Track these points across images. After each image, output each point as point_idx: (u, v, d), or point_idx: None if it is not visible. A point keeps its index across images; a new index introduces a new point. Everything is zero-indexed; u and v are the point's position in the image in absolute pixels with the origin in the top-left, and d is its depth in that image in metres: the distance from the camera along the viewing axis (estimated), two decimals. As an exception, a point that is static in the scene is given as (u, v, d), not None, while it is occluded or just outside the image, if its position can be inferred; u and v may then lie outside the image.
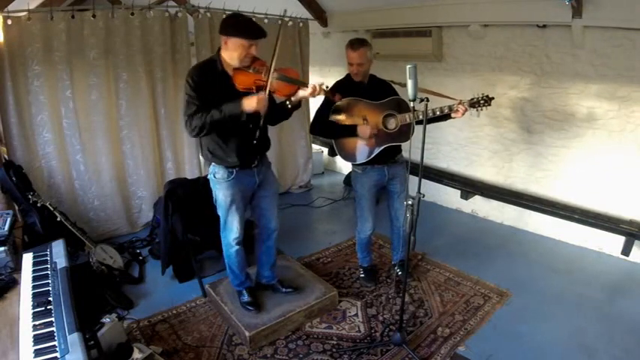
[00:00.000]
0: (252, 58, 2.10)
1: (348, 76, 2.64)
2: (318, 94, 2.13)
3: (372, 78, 2.65)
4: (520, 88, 3.58)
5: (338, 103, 2.47)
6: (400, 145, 2.64)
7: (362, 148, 2.55)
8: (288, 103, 2.20)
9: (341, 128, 2.52)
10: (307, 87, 2.11)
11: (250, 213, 2.57)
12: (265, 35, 2.06)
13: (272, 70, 2.06)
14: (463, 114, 2.39)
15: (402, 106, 2.52)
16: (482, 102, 2.42)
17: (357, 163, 2.60)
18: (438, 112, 2.38)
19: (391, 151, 2.59)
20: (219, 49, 2.15)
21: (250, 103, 2.04)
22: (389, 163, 2.65)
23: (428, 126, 2.12)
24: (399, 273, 3.01)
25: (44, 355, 1.32)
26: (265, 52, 2.17)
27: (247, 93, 2.10)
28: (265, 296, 2.65)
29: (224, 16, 3.76)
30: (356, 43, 2.50)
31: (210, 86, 2.11)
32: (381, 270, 3.15)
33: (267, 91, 2.07)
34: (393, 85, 2.68)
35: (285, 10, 2.47)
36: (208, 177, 2.37)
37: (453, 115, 2.41)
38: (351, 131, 2.51)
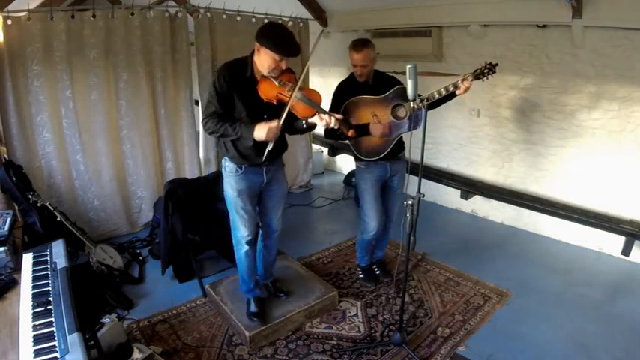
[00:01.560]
0: (282, 70, 2.10)
1: (351, 75, 2.63)
2: (332, 126, 2.12)
3: (376, 74, 2.62)
4: (520, 88, 3.58)
5: (345, 106, 2.46)
6: (403, 143, 2.64)
7: (380, 142, 2.55)
8: (304, 123, 2.20)
9: (355, 130, 2.51)
10: (323, 115, 2.11)
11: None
12: (298, 54, 2.06)
13: (297, 88, 2.06)
14: (467, 89, 2.33)
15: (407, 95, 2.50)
16: (485, 71, 2.35)
17: (379, 157, 2.57)
18: (443, 92, 2.32)
19: (395, 148, 2.59)
20: (252, 52, 2.13)
21: (260, 134, 2.05)
22: (392, 160, 2.65)
23: (428, 124, 2.11)
24: (378, 272, 3.04)
25: (44, 355, 1.32)
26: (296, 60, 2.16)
27: (269, 103, 2.12)
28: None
29: (224, 16, 3.81)
30: (359, 45, 2.47)
31: (235, 89, 2.12)
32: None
33: (287, 110, 2.07)
34: (396, 75, 2.66)
35: (322, 31, 2.44)
36: (221, 169, 2.39)
37: (457, 92, 2.35)
38: (363, 131, 2.50)
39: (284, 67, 2.08)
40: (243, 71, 2.14)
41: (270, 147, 2.10)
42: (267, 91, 2.10)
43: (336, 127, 2.14)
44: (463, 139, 4.12)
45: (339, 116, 2.14)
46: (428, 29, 3.87)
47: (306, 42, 4.54)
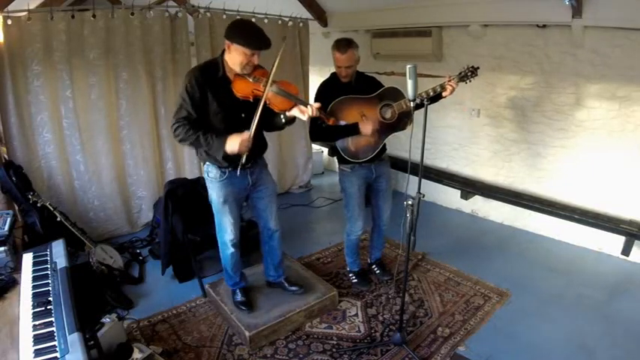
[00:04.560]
0: (254, 66, 2.11)
1: (333, 75, 2.61)
2: (312, 115, 2.12)
3: (359, 75, 2.62)
4: (520, 88, 3.58)
5: (332, 106, 2.44)
6: (385, 144, 2.64)
7: (366, 144, 2.54)
8: (282, 117, 2.19)
9: (341, 130, 2.51)
10: (302, 106, 2.11)
11: (251, 213, 2.57)
12: (269, 46, 2.06)
13: (270, 81, 2.07)
14: (453, 91, 2.36)
15: (395, 95, 2.50)
16: (469, 74, 2.42)
17: (365, 159, 2.57)
18: (431, 93, 2.34)
19: (379, 150, 2.59)
20: (223, 52, 2.14)
21: (232, 147, 2.05)
22: (375, 162, 2.65)
23: (428, 124, 2.10)
24: (377, 272, 3.04)
25: (44, 355, 1.31)
26: (270, 58, 2.17)
27: (245, 101, 2.12)
28: (262, 296, 2.65)
29: (224, 16, 3.81)
30: (343, 46, 2.45)
31: (209, 91, 2.12)
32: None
33: (262, 105, 2.08)
34: (379, 75, 2.69)
35: (291, 22, 2.46)
36: (203, 175, 2.39)
37: (444, 94, 2.37)
38: (352, 131, 2.49)
39: (256, 62, 2.08)
40: (214, 72, 2.14)
41: (243, 160, 2.12)
42: (242, 89, 2.09)
43: (316, 115, 2.13)
44: (463, 139, 4.12)
45: (317, 104, 2.14)
46: (428, 29, 3.87)
47: (306, 42, 4.55)
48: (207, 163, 2.29)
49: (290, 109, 2.14)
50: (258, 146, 2.30)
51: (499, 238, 3.71)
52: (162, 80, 3.68)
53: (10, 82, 3.03)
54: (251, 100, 2.12)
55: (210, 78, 2.12)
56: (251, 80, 2.09)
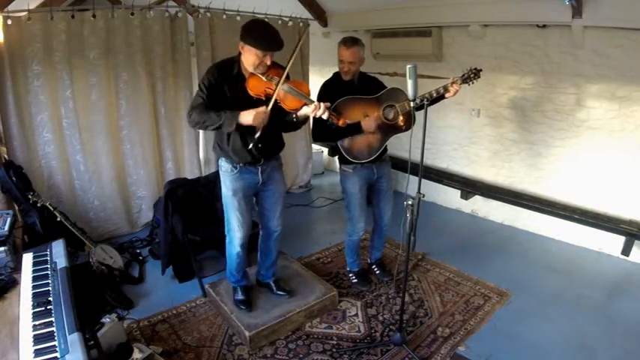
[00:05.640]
0: (268, 66, 2.12)
1: (336, 75, 2.62)
2: (322, 114, 2.11)
3: (362, 76, 2.63)
4: (520, 88, 3.58)
5: (336, 106, 2.44)
6: (386, 145, 2.64)
7: (369, 144, 2.55)
8: (294, 116, 2.21)
9: (343, 129, 2.50)
10: (311, 105, 2.12)
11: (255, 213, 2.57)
12: (281, 48, 2.08)
13: (282, 81, 2.10)
14: (456, 93, 2.40)
15: (398, 96, 2.52)
16: (472, 76, 2.45)
17: (368, 160, 2.57)
18: (434, 94, 2.37)
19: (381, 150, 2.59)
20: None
21: (247, 117, 2.06)
22: (377, 162, 2.65)
23: (428, 124, 2.10)
24: (377, 272, 3.05)
25: (44, 355, 1.32)
26: (285, 55, 2.20)
27: (258, 99, 2.14)
28: (262, 296, 2.66)
29: (224, 16, 3.81)
30: (349, 42, 2.50)
31: (225, 86, 2.16)
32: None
33: (272, 102, 2.10)
34: (381, 75, 2.70)
35: (308, 22, 2.48)
36: (218, 169, 2.42)
37: (447, 95, 2.40)
38: (354, 130, 2.49)
39: (269, 63, 2.10)
40: (230, 69, 2.18)
41: (258, 134, 2.11)
42: (256, 87, 2.12)
43: (325, 117, 2.12)
44: (463, 139, 4.12)
45: (327, 104, 2.14)
46: (428, 29, 3.87)
47: (306, 42, 4.55)
48: (221, 157, 2.34)
49: (300, 108, 2.16)
50: (273, 144, 2.35)
51: (499, 238, 3.71)
52: (163, 80, 3.68)
53: (10, 82, 3.03)
54: (263, 98, 2.14)
55: (226, 74, 2.17)
56: (264, 79, 2.12)
